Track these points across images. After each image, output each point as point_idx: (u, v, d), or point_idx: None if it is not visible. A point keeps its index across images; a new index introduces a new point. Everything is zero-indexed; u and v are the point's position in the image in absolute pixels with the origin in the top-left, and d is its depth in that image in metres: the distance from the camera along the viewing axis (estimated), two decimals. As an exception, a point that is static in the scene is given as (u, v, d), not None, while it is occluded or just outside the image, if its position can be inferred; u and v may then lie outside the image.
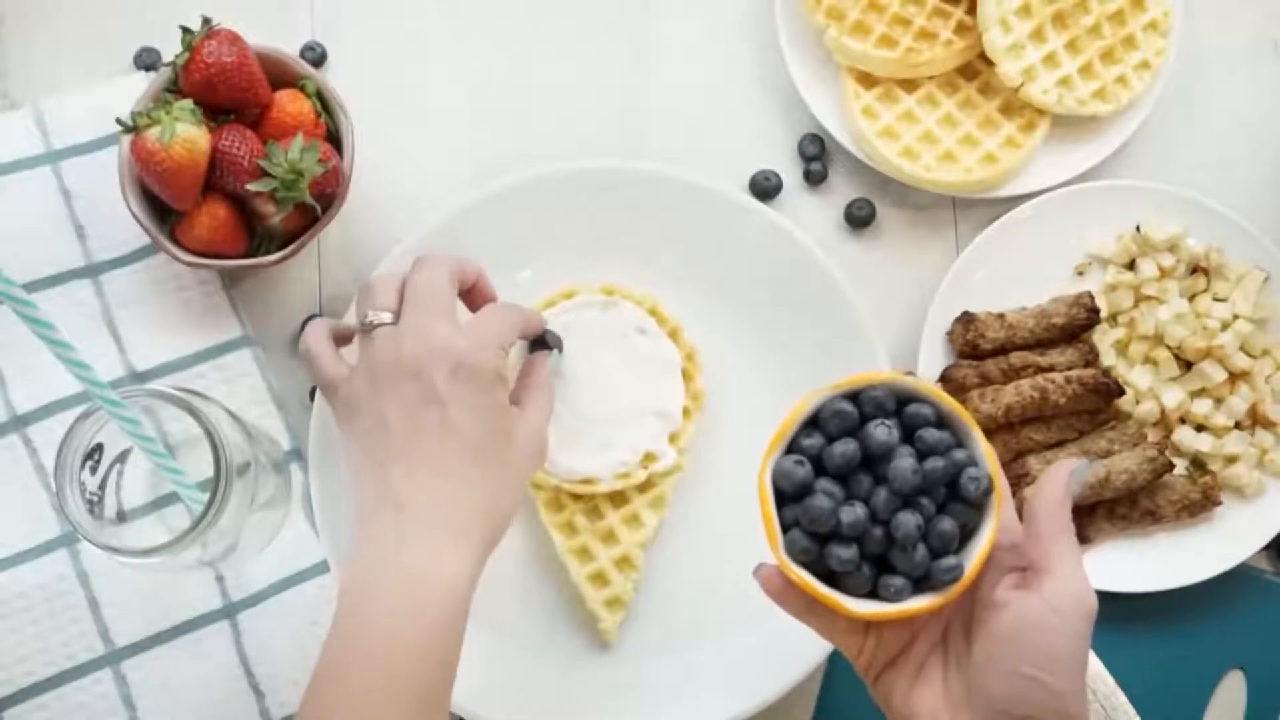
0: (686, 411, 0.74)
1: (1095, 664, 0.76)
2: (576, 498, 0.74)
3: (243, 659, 0.72)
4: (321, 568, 0.74)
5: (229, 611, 0.73)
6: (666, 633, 0.75)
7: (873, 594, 0.55)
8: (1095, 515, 0.75)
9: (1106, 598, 0.75)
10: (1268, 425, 0.77)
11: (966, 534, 0.55)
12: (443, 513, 0.60)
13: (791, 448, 0.55)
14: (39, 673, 0.71)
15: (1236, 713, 0.76)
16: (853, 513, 0.53)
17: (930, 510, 0.54)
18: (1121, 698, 0.75)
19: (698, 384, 0.74)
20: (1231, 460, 0.76)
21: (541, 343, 0.70)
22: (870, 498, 0.54)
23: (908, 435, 0.55)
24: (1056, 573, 0.53)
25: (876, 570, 0.54)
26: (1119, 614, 0.76)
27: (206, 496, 0.63)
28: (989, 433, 0.75)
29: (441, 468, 0.60)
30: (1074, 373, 0.75)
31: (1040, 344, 0.77)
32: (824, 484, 0.54)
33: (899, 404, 0.55)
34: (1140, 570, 0.75)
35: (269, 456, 0.70)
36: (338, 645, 0.58)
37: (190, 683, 0.72)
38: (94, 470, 0.66)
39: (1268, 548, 0.77)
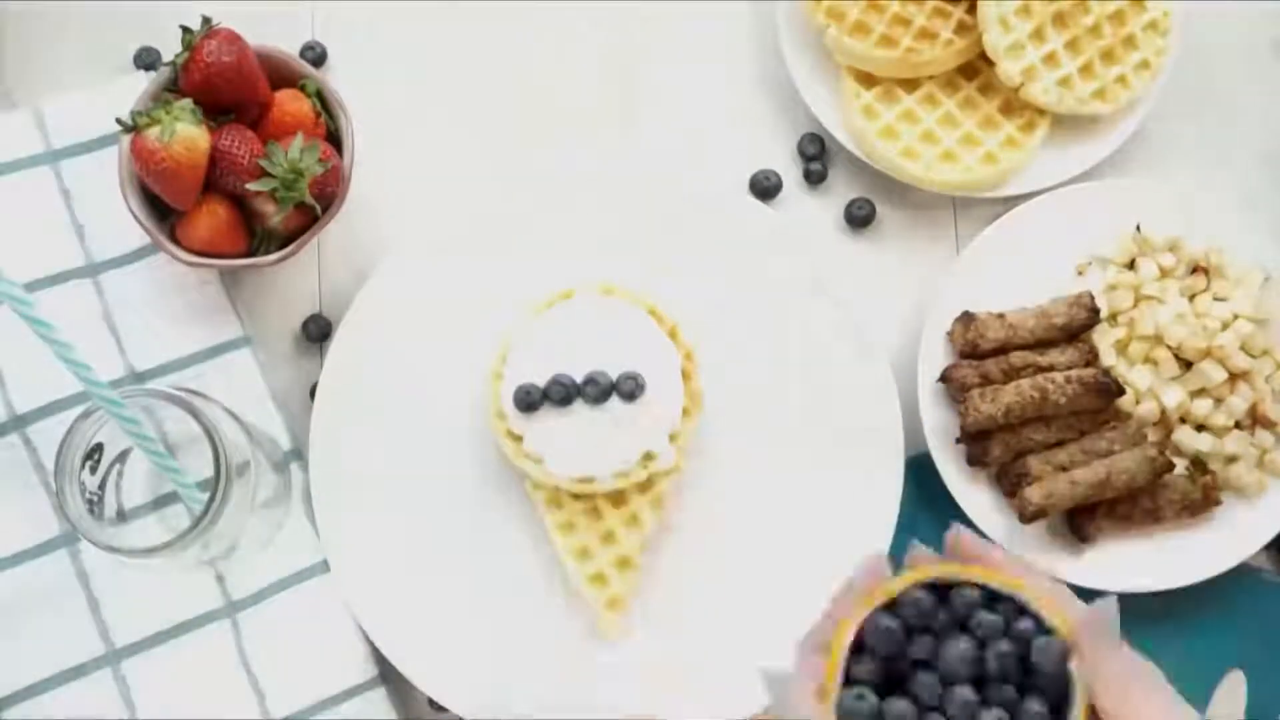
0: (685, 411, 0.74)
1: (1095, 664, 0.76)
2: (576, 497, 0.73)
3: (243, 659, 0.72)
4: (321, 567, 0.74)
5: (229, 611, 0.73)
6: (666, 633, 0.75)
7: None
8: (1095, 515, 0.75)
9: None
10: (1268, 425, 0.77)
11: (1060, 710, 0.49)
12: None
13: (848, 679, 0.49)
14: (39, 673, 0.71)
15: (1236, 713, 0.76)
16: None
17: (1012, 696, 0.48)
18: (1121, 698, 0.75)
19: (696, 383, 0.74)
20: (1231, 460, 0.76)
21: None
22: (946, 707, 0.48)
23: (961, 621, 0.49)
24: None
25: None
26: (1119, 614, 0.76)
27: (206, 496, 0.63)
28: (989, 433, 0.75)
29: None
30: (1074, 373, 0.75)
31: (1040, 344, 0.77)
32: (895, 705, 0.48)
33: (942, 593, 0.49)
34: (1140, 570, 0.75)
35: (269, 456, 0.70)
36: None
37: (190, 683, 0.72)
38: (94, 470, 0.66)
39: (1268, 548, 0.77)
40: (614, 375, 0.71)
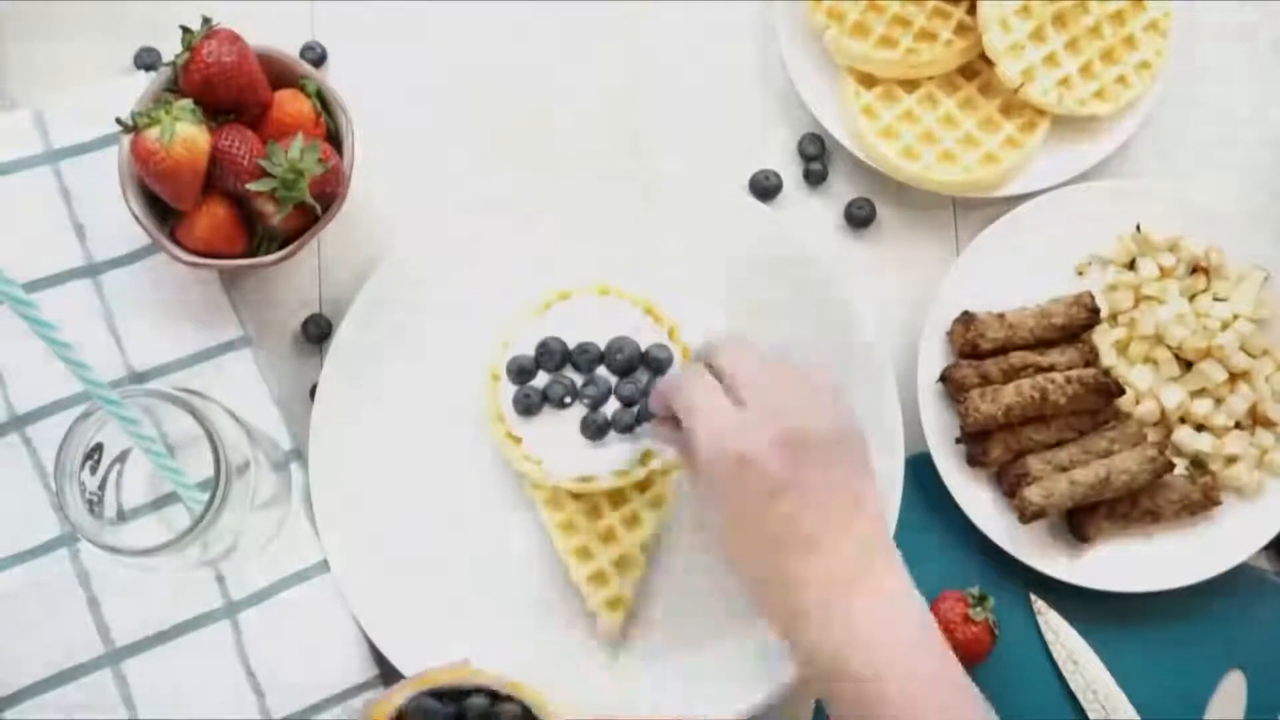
0: (686, 411, 0.74)
1: (1095, 664, 0.76)
2: (576, 497, 0.74)
3: (243, 659, 0.72)
4: (321, 567, 0.74)
5: (229, 611, 0.73)
6: (667, 632, 0.75)
7: None
8: (1095, 515, 0.75)
9: (1107, 598, 0.75)
10: (1268, 425, 0.77)
11: None
12: None
13: None
14: (39, 673, 0.71)
15: (1236, 713, 0.76)
16: None
17: None
18: (1121, 698, 0.76)
19: (698, 384, 0.74)
20: (1231, 460, 0.76)
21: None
22: None
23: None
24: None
25: None
26: (1119, 614, 0.76)
27: (206, 496, 0.63)
28: (989, 433, 0.75)
29: None
30: (1074, 373, 0.75)
31: (1040, 344, 0.77)
32: None
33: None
34: (1140, 570, 0.75)
35: (269, 456, 0.70)
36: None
37: (190, 683, 0.72)
38: (94, 470, 0.66)
39: (1268, 548, 0.77)
40: (612, 377, 0.71)
